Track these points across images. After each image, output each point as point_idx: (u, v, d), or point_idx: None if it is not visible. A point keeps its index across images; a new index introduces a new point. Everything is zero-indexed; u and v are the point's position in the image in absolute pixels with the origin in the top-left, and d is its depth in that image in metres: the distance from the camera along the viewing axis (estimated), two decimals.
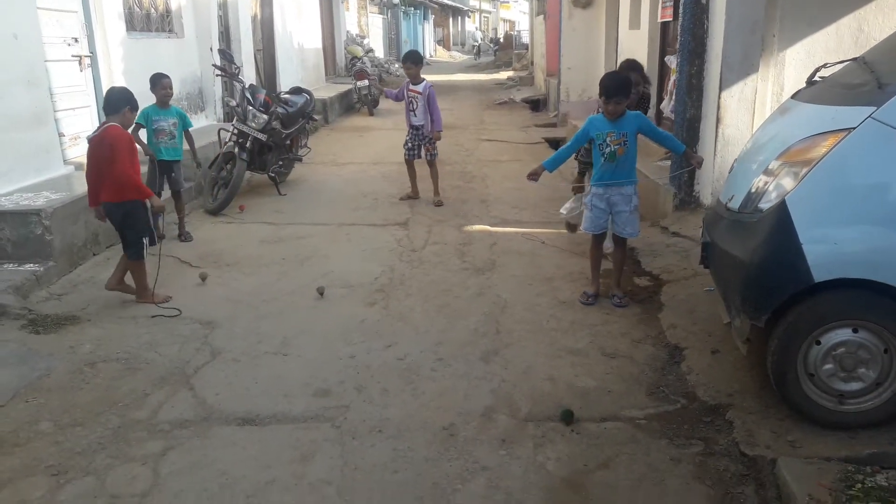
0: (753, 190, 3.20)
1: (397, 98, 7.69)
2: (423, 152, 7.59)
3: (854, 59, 3.34)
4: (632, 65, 5.72)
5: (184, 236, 6.19)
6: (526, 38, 37.00)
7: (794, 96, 3.54)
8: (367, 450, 3.12)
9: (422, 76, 7.60)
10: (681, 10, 6.27)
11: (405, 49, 33.36)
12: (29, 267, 4.96)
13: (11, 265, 4.97)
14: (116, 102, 4.61)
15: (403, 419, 3.35)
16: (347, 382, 3.70)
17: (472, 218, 6.95)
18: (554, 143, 11.85)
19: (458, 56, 43.85)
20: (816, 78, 3.54)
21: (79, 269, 5.31)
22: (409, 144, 7.61)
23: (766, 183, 3.14)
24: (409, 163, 7.70)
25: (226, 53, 7.78)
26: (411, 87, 7.48)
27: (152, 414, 3.41)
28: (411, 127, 7.57)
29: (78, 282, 5.12)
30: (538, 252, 5.84)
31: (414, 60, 7.60)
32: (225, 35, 10.71)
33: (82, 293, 4.90)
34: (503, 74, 26.36)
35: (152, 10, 8.49)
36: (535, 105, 16.82)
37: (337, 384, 3.69)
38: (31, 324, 4.38)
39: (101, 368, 3.86)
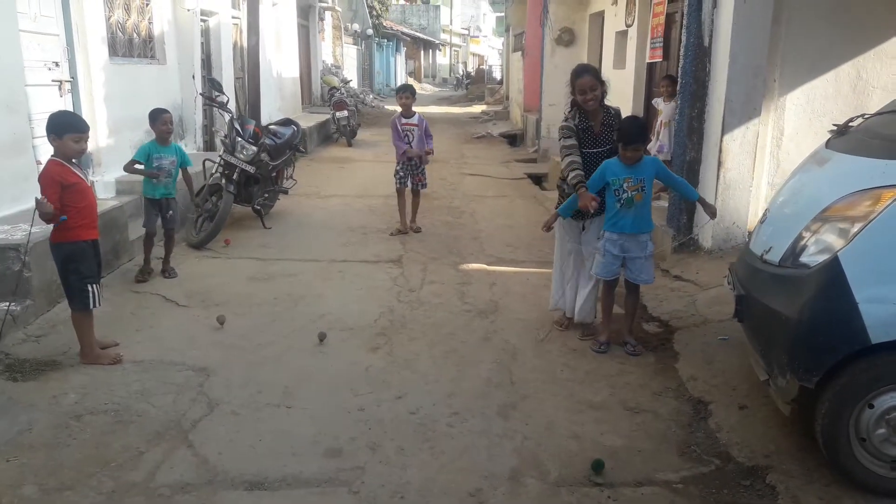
0: (795, 244, 3.07)
1: (402, 142, 7.48)
2: (412, 183, 7.55)
3: (892, 112, 3.26)
4: (584, 67, 4.76)
5: (168, 272, 5.88)
6: (497, 73, 37.41)
7: (828, 145, 3.45)
8: None
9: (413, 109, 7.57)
10: (682, 53, 6.25)
11: (378, 80, 33.74)
12: (4, 306, 4.59)
13: None
14: (46, 132, 4.12)
15: (425, 483, 3.11)
16: (360, 440, 3.45)
17: (468, 256, 6.77)
18: (536, 179, 11.83)
19: (429, 88, 44.06)
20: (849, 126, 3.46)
21: (57, 308, 4.96)
22: (402, 174, 7.53)
23: (809, 237, 3.02)
24: (401, 192, 7.60)
25: (214, 82, 7.54)
26: (405, 120, 7.40)
27: (149, 476, 3.11)
28: (406, 158, 7.46)
29: (57, 321, 4.78)
30: (540, 294, 5.66)
31: (412, 92, 7.60)
32: (206, 62, 10.47)
33: (62, 334, 4.55)
34: (476, 108, 26.50)
35: (135, 35, 8.23)
36: (513, 140, 16.86)
37: (348, 441, 3.43)
38: (7, 369, 4.04)
39: (89, 422, 3.54)
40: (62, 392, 3.82)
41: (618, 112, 4.72)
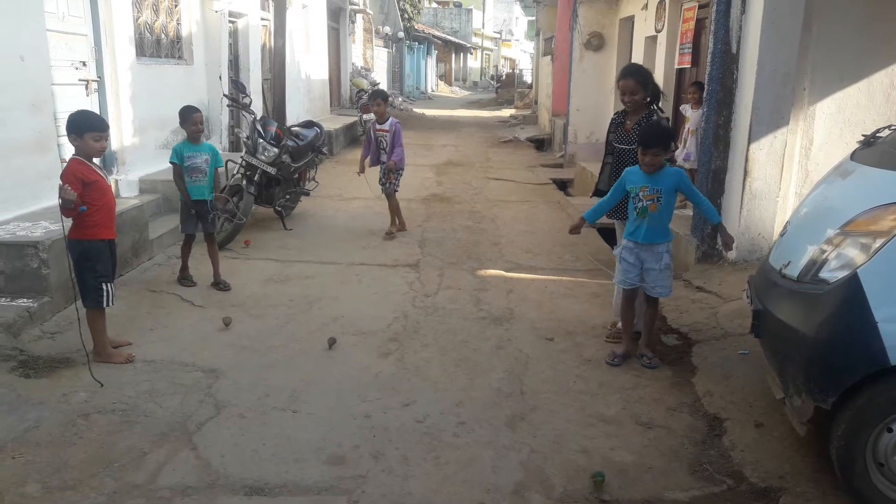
0: (814, 258, 2.97)
1: (372, 153, 7.61)
2: (388, 183, 7.54)
3: None
4: (631, 70, 4.79)
5: (222, 285, 5.64)
6: (528, 77, 37.26)
7: (853, 157, 3.33)
8: None
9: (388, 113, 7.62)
10: (709, 60, 6.12)
11: (408, 82, 33.80)
12: (22, 302, 4.67)
13: (4, 300, 4.68)
14: (67, 131, 4.13)
15: (427, 495, 3.06)
16: (363, 447, 3.41)
17: (486, 262, 6.70)
18: (561, 185, 11.72)
19: (459, 91, 44.08)
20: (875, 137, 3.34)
21: (74, 305, 5.00)
22: (383, 179, 7.60)
23: (829, 251, 2.91)
24: (388, 196, 7.67)
25: (238, 84, 7.59)
26: (378, 127, 7.46)
27: (151, 477, 3.10)
28: (382, 164, 7.55)
29: (73, 318, 4.77)
30: (557, 302, 5.59)
31: (384, 97, 7.65)
32: (234, 64, 10.56)
33: (77, 332, 4.58)
34: (505, 112, 26.39)
35: (163, 35, 8.32)
36: (540, 144, 16.75)
37: (352, 449, 3.39)
38: (21, 366, 4.08)
39: (96, 420, 3.55)
40: (72, 390, 3.84)
41: (661, 119, 4.68)
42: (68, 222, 4.12)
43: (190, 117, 5.55)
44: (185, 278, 5.69)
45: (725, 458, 3.40)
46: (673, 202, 4.32)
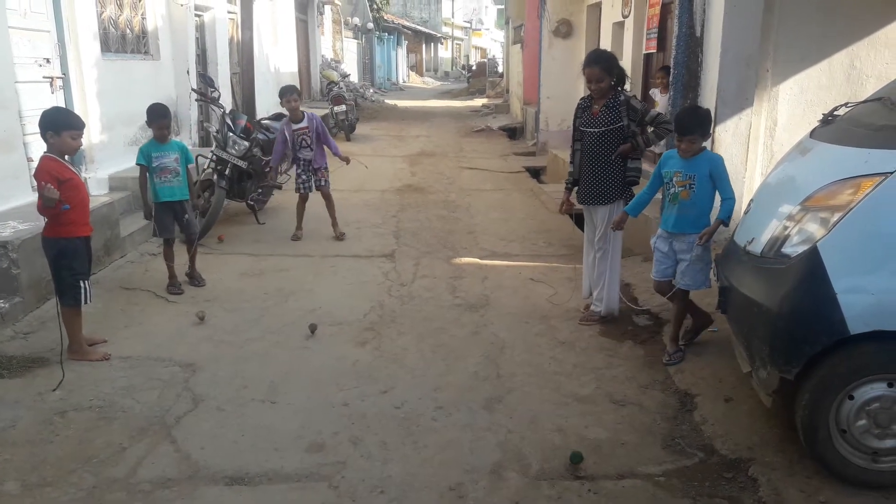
0: (777, 234, 3.05)
1: (284, 153, 7.06)
2: (314, 183, 7.07)
3: (878, 99, 3.22)
4: (594, 57, 4.68)
5: (196, 280, 5.57)
6: (500, 66, 37.28)
7: (812, 135, 3.42)
8: None
9: (302, 110, 7.06)
10: (674, 44, 6.20)
11: (379, 74, 33.65)
12: None
13: None
14: (40, 129, 4.08)
15: (406, 477, 3.11)
16: (342, 434, 3.45)
17: (461, 250, 6.75)
18: (534, 172, 11.79)
19: (430, 82, 43.98)
20: (834, 116, 3.43)
21: (46, 305, 4.95)
22: (303, 177, 7.06)
23: (790, 227, 3.00)
24: (304, 198, 7.15)
25: (206, 77, 7.53)
26: (295, 126, 6.90)
27: (131, 471, 3.11)
28: (301, 161, 7.03)
29: (46, 318, 4.78)
30: (531, 288, 5.66)
31: (298, 93, 7.12)
32: (202, 58, 10.45)
33: (51, 332, 4.54)
34: (477, 101, 26.41)
35: (128, 30, 8.21)
36: (513, 133, 16.81)
37: (331, 436, 3.42)
38: None
39: (73, 418, 3.55)
40: (48, 389, 3.82)
41: (628, 98, 4.64)
42: (38, 221, 4.09)
43: (157, 121, 5.30)
44: (172, 285, 5.44)
45: (696, 432, 3.49)
46: (709, 190, 4.05)
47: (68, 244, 4.15)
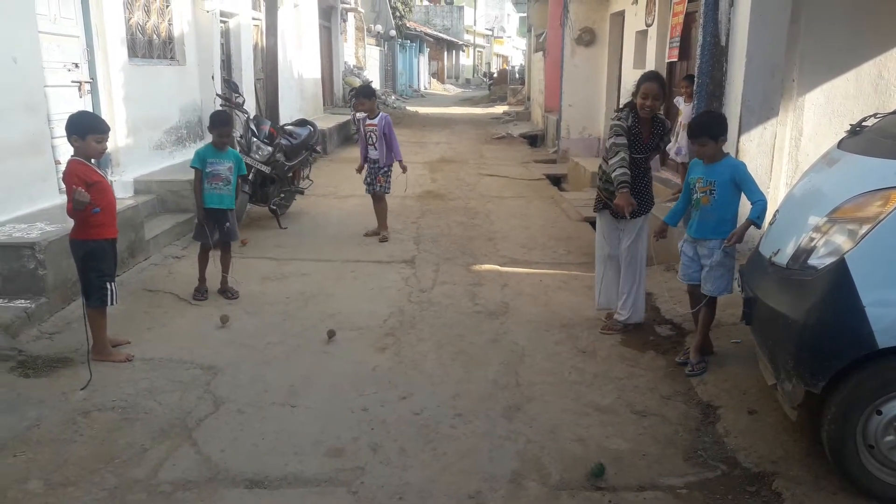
0: (803, 246, 3.02)
1: (361, 148, 7.45)
2: (376, 184, 7.31)
3: None
4: (657, 75, 4.76)
5: (228, 293, 5.44)
6: (519, 74, 37.28)
7: (839, 146, 3.38)
8: None
9: (378, 109, 7.45)
10: (698, 52, 6.17)
11: (400, 80, 33.80)
12: (20, 303, 4.68)
13: (2, 301, 4.69)
14: (66, 133, 4.14)
15: (425, 484, 3.10)
16: (361, 439, 3.45)
17: (481, 257, 6.74)
18: (555, 180, 11.76)
19: (452, 89, 44.08)
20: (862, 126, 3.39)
21: (72, 306, 5.03)
22: (369, 179, 7.36)
23: (817, 239, 2.96)
24: (374, 198, 7.43)
25: (230, 83, 7.62)
26: (368, 121, 7.27)
27: (152, 472, 3.13)
28: (369, 161, 7.33)
29: (71, 319, 4.85)
30: (552, 295, 5.63)
31: (367, 95, 7.47)
32: (227, 63, 10.57)
33: (75, 332, 4.60)
34: (498, 109, 26.42)
35: (154, 36, 8.32)
36: (533, 140, 16.79)
37: (350, 441, 3.43)
38: (20, 366, 4.10)
39: (96, 418, 3.58)
40: (72, 388, 3.87)
41: (664, 122, 4.70)
42: (71, 222, 4.15)
43: (218, 128, 5.34)
44: (199, 291, 5.41)
45: (719, 444, 3.45)
46: (730, 196, 4.04)
47: (96, 246, 4.21)
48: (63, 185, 6.21)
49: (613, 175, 4.45)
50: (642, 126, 4.57)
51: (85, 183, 4.02)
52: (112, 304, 4.28)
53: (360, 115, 7.33)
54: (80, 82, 6.72)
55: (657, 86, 4.49)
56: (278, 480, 3.10)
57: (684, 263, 4.29)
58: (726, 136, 4.15)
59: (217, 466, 3.19)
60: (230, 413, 3.68)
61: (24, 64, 5.67)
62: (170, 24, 8.68)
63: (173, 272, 6.01)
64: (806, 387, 2.84)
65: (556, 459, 3.30)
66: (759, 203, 3.93)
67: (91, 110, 6.83)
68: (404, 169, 7.47)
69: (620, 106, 4.77)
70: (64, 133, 4.23)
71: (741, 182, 4.01)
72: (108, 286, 4.24)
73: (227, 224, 5.44)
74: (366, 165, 7.38)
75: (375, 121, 7.25)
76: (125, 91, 7.33)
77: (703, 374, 4.13)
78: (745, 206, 4.08)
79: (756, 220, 3.92)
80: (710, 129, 4.04)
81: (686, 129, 7.19)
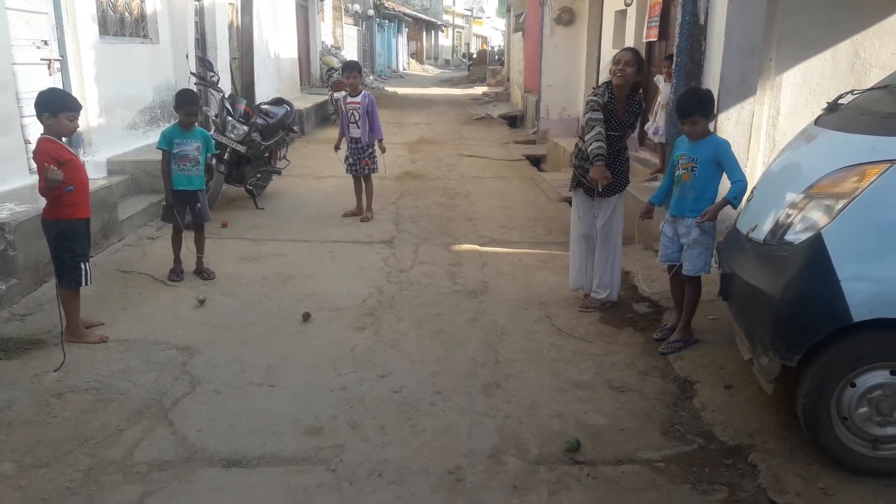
0: (780, 221, 3.03)
1: (342, 126, 7.32)
2: (360, 168, 7.24)
3: (885, 87, 3.19)
4: (633, 49, 4.80)
5: (205, 273, 5.38)
6: (501, 55, 37.10)
7: (817, 122, 3.39)
8: (366, 497, 2.86)
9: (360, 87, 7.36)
10: (677, 31, 6.16)
11: (379, 61, 33.49)
12: None
13: None
14: (37, 111, 4.03)
15: (404, 461, 3.09)
16: (340, 418, 3.43)
17: (460, 237, 6.72)
18: (534, 160, 11.75)
19: (431, 70, 43.77)
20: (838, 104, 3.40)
21: (44, 287, 4.93)
22: (351, 160, 7.25)
23: (794, 215, 2.97)
24: (356, 178, 7.35)
25: (205, 62, 7.49)
26: (350, 99, 7.15)
27: (127, 453, 3.09)
28: (351, 140, 7.20)
29: (43, 301, 4.76)
30: (531, 275, 5.64)
31: (356, 69, 7.38)
32: (201, 42, 10.38)
33: (48, 314, 4.53)
34: (478, 89, 26.30)
35: (126, 14, 8.14)
36: (513, 121, 16.75)
37: (329, 420, 3.41)
38: None
39: (70, 400, 3.53)
40: (44, 370, 3.80)
41: (641, 101, 4.69)
42: (43, 202, 4.06)
43: (185, 107, 5.23)
44: (174, 272, 5.33)
45: (696, 418, 3.48)
46: (712, 174, 4.01)
47: (69, 226, 4.12)
48: (34, 165, 6.08)
49: (590, 149, 4.43)
50: (618, 103, 4.56)
51: (57, 161, 3.93)
52: (86, 284, 4.21)
53: (338, 94, 7.21)
54: (49, 60, 6.57)
55: (630, 53, 4.52)
56: (256, 459, 3.08)
57: (664, 244, 4.25)
58: (715, 113, 4.12)
59: (194, 446, 3.16)
60: (207, 393, 3.64)
61: None
62: (142, 2, 8.50)
63: (148, 253, 5.93)
64: (782, 361, 2.86)
65: (535, 435, 3.31)
66: (739, 183, 3.88)
67: (62, 88, 6.68)
68: (383, 150, 7.39)
69: (596, 84, 4.76)
70: (34, 112, 4.12)
71: (723, 161, 3.96)
72: (83, 266, 4.16)
73: (199, 205, 5.35)
74: (346, 144, 7.27)
75: (358, 98, 7.14)
76: (97, 69, 7.17)
77: (680, 351, 4.15)
78: (726, 186, 4.06)
79: (733, 199, 3.86)
80: (701, 106, 3.99)
81: (666, 109, 7.25)
